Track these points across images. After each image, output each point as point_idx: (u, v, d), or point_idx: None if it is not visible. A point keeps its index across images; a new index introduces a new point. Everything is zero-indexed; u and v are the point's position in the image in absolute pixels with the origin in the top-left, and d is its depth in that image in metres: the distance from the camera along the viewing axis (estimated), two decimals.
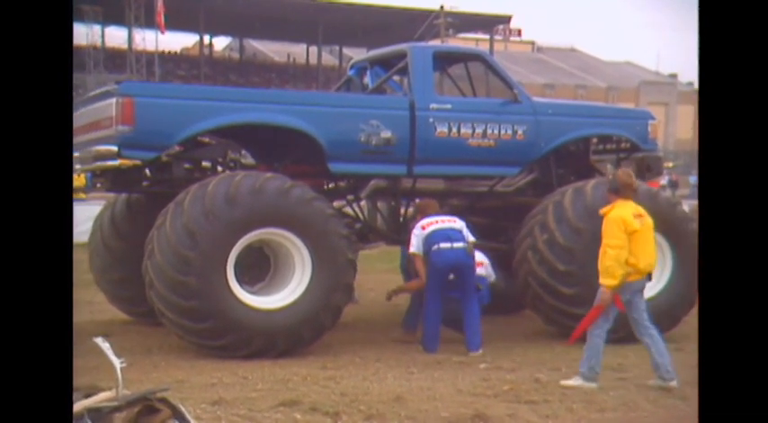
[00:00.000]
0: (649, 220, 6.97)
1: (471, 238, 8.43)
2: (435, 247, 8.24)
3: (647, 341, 6.91)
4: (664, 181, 22.01)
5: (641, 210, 6.96)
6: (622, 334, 7.40)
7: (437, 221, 8.46)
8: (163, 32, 47.20)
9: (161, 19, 44.91)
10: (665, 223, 8.91)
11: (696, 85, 3.61)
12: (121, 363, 4.25)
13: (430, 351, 8.22)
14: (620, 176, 7.04)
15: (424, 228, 8.40)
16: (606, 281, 6.73)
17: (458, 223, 8.47)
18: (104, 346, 4.31)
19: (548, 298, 8.55)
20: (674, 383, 6.80)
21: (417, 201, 9.13)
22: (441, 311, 8.33)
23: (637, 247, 6.76)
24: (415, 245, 8.39)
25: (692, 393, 3.78)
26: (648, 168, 10.35)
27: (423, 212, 8.70)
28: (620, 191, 6.93)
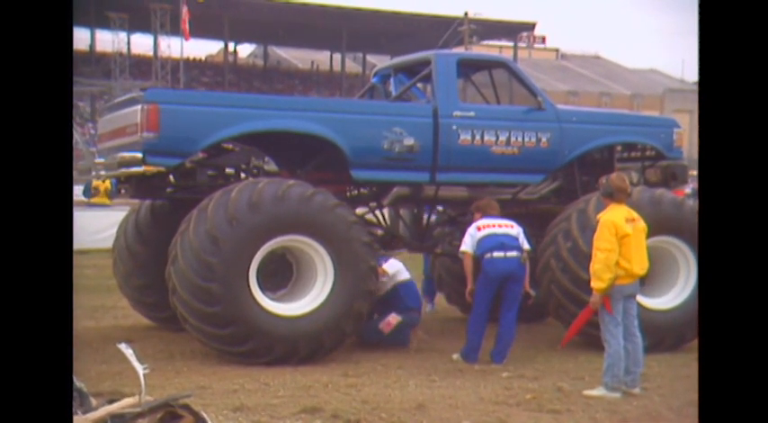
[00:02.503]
0: (642, 225, 6.99)
1: (527, 246, 8.27)
2: (489, 255, 8.07)
3: (629, 347, 6.92)
4: (688, 189, 21.83)
5: (634, 214, 7.00)
6: (647, 343, 7.35)
7: (494, 225, 8.25)
8: (188, 39, 47.60)
9: (186, 26, 45.29)
10: (691, 232, 8.82)
11: None
12: (145, 369, 4.27)
13: (470, 361, 8.12)
14: (613, 180, 7.04)
15: (479, 229, 8.22)
16: (595, 284, 6.82)
17: (515, 229, 8.26)
18: (128, 352, 4.33)
19: (571, 306, 8.48)
20: (636, 390, 6.94)
21: (477, 201, 8.80)
22: (486, 323, 8.21)
23: (629, 251, 6.80)
24: (468, 244, 8.20)
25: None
26: (674, 177, 10.26)
27: (482, 211, 8.48)
28: (613, 195, 6.96)
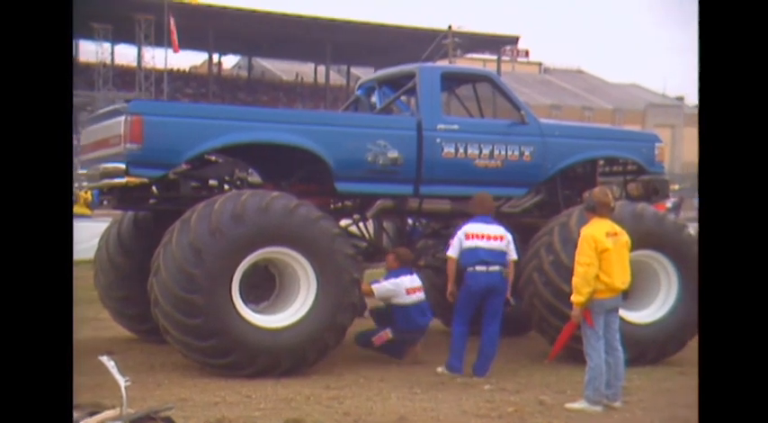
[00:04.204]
0: (625, 238, 7.01)
1: (514, 257, 8.27)
2: (471, 269, 8.08)
3: (610, 361, 6.93)
4: (669, 204, 21.95)
5: (617, 228, 7.03)
6: (628, 356, 7.37)
7: (482, 236, 8.18)
8: (176, 52, 47.48)
9: (174, 38, 45.23)
10: (672, 246, 8.90)
11: None
12: (126, 381, 4.26)
13: (456, 372, 8.13)
14: (596, 194, 7.09)
15: (468, 237, 8.16)
16: (574, 297, 6.87)
17: (504, 241, 8.21)
18: (110, 364, 4.32)
19: (553, 320, 8.51)
20: (617, 404, 6.93)
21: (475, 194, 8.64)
22: (468, 334, 8.22)
23: (609, 266, 6.83)
24: (455, 248, 8.18)
25: (693, 417, 3.79)
26: (655, 191, 10.34)
27: (478, 205, 8.40)
28: (596, 209, 7.00)
